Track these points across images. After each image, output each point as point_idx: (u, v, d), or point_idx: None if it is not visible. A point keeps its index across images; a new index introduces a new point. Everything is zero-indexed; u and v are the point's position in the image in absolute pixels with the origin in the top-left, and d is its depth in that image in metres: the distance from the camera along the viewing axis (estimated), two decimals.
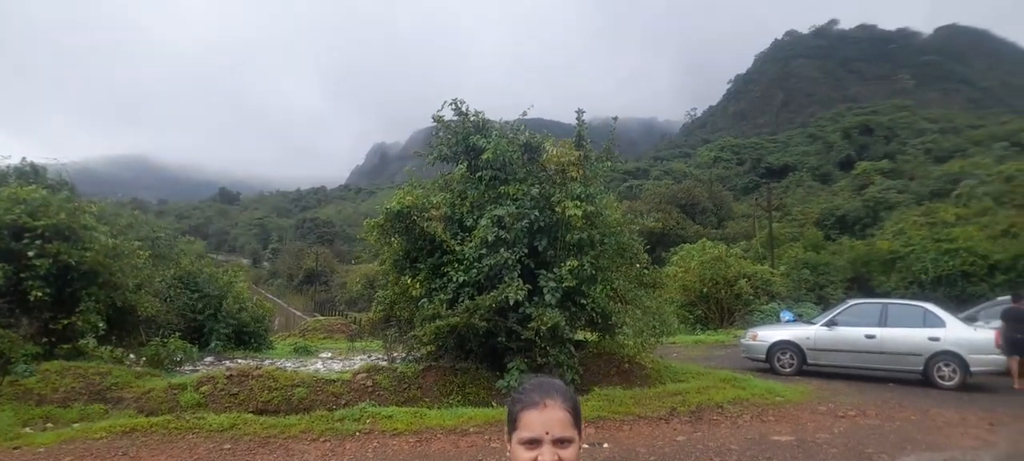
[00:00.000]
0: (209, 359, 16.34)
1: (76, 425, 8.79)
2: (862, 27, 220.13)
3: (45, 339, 12.09)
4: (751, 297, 25.62)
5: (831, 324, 14.01)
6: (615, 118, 12.47)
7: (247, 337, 19.02)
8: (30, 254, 11.45)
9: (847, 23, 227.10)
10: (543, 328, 10.08)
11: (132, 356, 13.90)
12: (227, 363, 15.60)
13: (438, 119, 12.72)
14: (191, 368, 14.18)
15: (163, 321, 14.64)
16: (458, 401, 10.24)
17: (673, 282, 27.23)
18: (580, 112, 12.60)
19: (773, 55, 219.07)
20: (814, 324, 14.52)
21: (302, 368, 13.62)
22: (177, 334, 14.75)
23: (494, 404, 9.96)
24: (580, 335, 11.95)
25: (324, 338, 25.43)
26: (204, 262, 21.83)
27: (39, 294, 11.41)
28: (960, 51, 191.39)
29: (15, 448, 7.64)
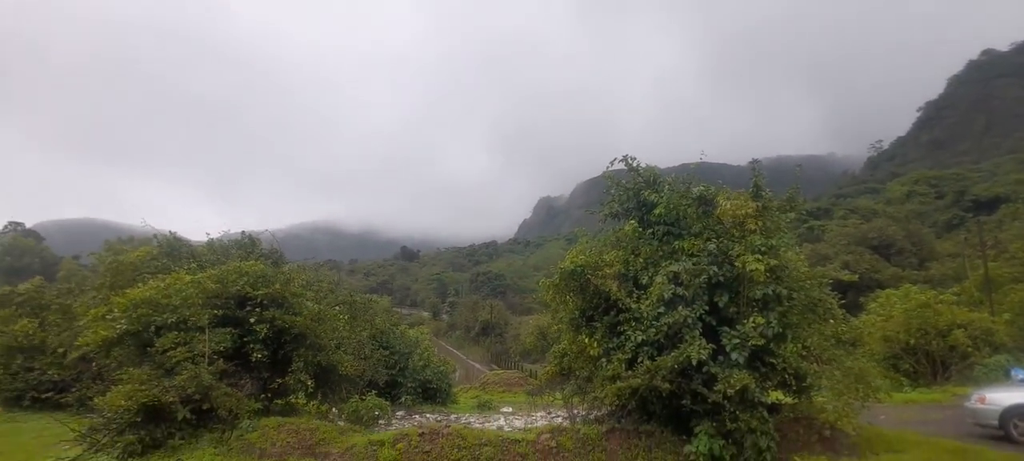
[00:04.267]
0: (401, 414, 17.36)
1: None
2: None
3: (263, 395, 13.55)
4: (970, 349, 22.51)
5: None
6: (799, 166, 11.80)
7: (433, 392, 19.97)
8: (252, 320, 13.04)
9: None
10: (730, 390, 9.59)
11: (334, 411, 15.14)
12: (417, 418, 16.49)
13: (609, 176, 12.81)
14: (385, 424, 15.13)
15: (360, 378, 15.82)
16: None
17: (873, 333, 24.79)
18: (755, 162, 12.08)
19: (969, 77, 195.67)
20: None
21: (486, 425, 14.03)
22: (373, 391, 15.85)
23: None
24: (771, 397, 11.17)
25: (503, 392, 26.14)
26: (393, 318, 23.41)
27: (259, 356, 12.92)
28: None
29: None
